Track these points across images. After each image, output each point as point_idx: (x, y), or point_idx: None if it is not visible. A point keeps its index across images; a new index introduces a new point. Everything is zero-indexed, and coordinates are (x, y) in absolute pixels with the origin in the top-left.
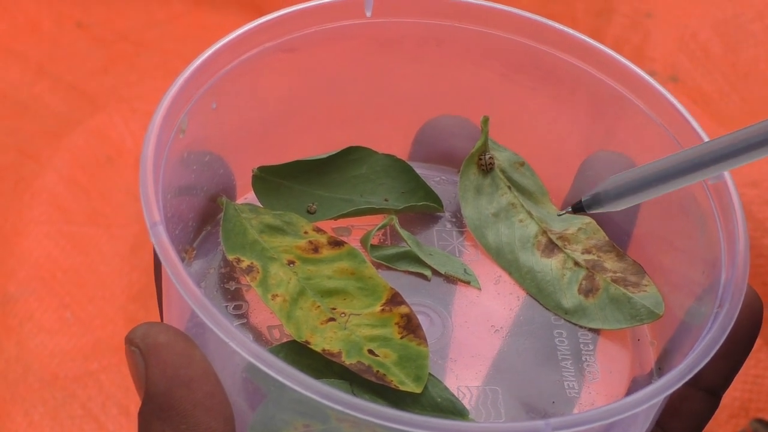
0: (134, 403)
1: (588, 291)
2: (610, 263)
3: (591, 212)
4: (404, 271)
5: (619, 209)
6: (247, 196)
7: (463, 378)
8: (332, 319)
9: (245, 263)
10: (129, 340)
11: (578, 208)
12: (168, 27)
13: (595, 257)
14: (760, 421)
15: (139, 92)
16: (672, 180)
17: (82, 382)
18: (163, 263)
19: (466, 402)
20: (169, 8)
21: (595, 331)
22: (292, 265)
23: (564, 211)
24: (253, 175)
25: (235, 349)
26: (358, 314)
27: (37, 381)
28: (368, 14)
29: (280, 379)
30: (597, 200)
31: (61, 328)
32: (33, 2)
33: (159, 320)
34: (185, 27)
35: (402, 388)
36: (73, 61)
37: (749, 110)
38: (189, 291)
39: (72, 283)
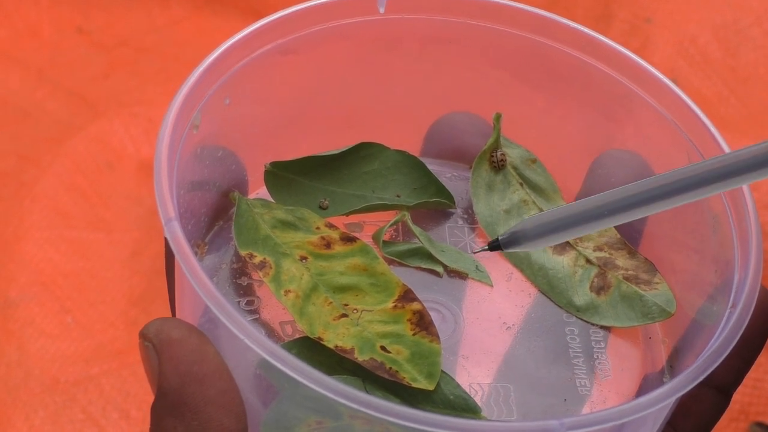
0: (135, 407)
1: (600, 288)
2: (622, 261)
3: (508, 251)
4: (416, 268)
5: (537, 249)
6: (259, 192)
7: (475, 375)
8: (345, 316)
9: (258, 259)
10: (143, 336)
11: (495, 246)
12: (168, 32)
13: (606, 255)
14: (760, 424)
15: (139, 97)
16: (591, 222)
17: (82, 387)
18: (178, 259)
19: (478, 399)
20: (170, 13)
21: (607, 329)
22: (304, 260)
23: (481, 248)
24: (265, 171)
25: (249, 345)
26: (371, 310)
27: (37, 385)
28: (381, 11)
29: (294, 375)
30: (515, 239)
31: (61, 333)
32: (33, 8)
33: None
34: (185, 32)
35: (414, 385)
36: (74, 67)
37: (748, 114)
38: (204, 287)
39: (73, 287)
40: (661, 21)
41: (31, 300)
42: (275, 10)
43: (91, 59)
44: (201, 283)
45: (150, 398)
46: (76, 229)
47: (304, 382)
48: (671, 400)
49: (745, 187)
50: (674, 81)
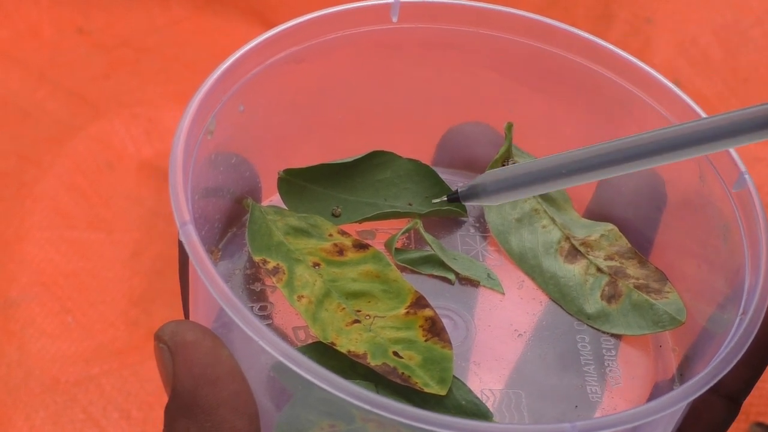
0: (135, 407)
1: (611, 297)
2: (633, 270)
3: (467, 203)
4: (428, 275)
5: (495, 204)
6: (272, 199)
7: (487, 381)
8: (357, 321)
9: (271, 264)
10: (158, 337)
11: (454, 198)
12: (169, 32)
13: (617, 263)
14: (760, 424)
15: (140, 98)
16: (554, 180)
17: (83, 387)
18: (194, 262)
19: (490, 405)
20: (170, 14)
21: (618, 337)
22: (317, 267)
23: (440, 199)
24: (278, 178)
25: (264, 347)
26: (383, 317)
27: (38, 385)
28: (394, 19)
29: (309, 378)
30: (474, 192)
31: (62, 333)
32: (34, 9)
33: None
34: (186, 32)
35: (426, 390)
36: (74, 67)
37: None
38: (219, 290)
39: (73, 287)
40: (662, 21)
41: (32, 300)
42: (276, 11)
43: (91, 59)
44: (216, 286)
45: (151, 399)
46: (77, 230)
47: (318, 383)
48: (683, 405)
49: (754, 194)
50: (675, 82)
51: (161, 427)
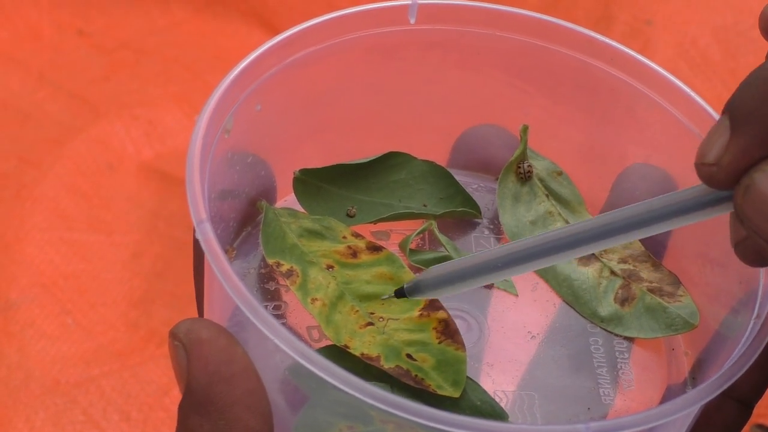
0: (135, 409)
1: (624, 300)
2: (646, 273)
3: (412, 298)
4: None
5: (438, 297)
6: (287, 199)
7: (500, 382)
8: (371, 324)
9: (285, 267)
10: (173, 335)
11: (401, 294)
12: (169, 34)
13: (631, 267)
14: (760, 426)
15: (140, 99)
16: (490, 274)
17: (83, 388)
18: (210, 261)
19: (503, 406)
20: (170, 16)
21: (630, 340)
22: (331, 269)
23: (388, 296)
24: (294, 178)
25: (281, 347)
26: (396, 319)
27: (38, 387)
28: (412, 21)
29: (325, 377)
30: (418, 288)
31: (62, 335)
32: (34, 10)
33: None
34: (186, 34)
35: (440, 392)
36: (74, 69)
37: None
38: (235, 288)
39: (73, 289)
40: (662, 23)
41: (32, 302)
42: (275, 12)
43: (91, 61)
44: (232, 285)
45: (151, 400)
46: (77, 231)
47: (336, 384)
48: (697, 407)
49: None
50: None
51: (161, 428)
